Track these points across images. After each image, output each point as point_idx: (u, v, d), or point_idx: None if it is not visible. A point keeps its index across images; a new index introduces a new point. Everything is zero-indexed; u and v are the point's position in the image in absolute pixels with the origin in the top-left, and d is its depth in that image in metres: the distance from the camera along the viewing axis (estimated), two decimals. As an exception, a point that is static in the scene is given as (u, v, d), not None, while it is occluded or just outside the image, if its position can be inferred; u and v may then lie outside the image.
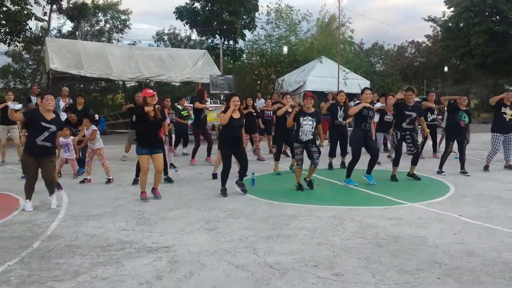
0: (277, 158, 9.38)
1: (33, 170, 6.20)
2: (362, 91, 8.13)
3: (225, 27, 24.45)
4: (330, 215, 5.86)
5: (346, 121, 9.80)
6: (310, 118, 7.36)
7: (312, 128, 7.37)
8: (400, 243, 4.74)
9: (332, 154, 9.95)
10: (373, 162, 7.95)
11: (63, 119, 8.61)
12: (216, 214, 5.96)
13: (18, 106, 6.30)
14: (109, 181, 8.17)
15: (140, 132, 6.85)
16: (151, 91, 6.85)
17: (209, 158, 10.59)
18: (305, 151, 7.46)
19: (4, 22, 18.28)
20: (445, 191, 7.45)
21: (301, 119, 7.33)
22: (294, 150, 7.61)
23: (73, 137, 8.42)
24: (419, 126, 9.01)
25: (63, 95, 11.27)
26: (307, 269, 4.02)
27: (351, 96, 16.82)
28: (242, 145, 7.39)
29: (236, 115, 7.17)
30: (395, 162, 8.43)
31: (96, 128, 8.30)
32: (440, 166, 9.04)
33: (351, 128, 8.54)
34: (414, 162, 8.42)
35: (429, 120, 11.25)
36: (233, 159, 7.30)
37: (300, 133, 7.35)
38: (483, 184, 8.00)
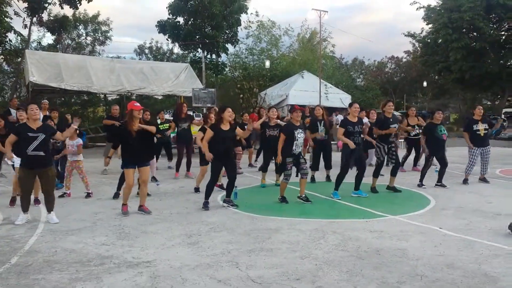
0: (264, 170, 9.39)
1: (29, 182, 6.16)
2: (350, 105, 8.21)
3: (207, 41, 24.54)
4: (312, 228, 5.86)
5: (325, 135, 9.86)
6: (301, 130, 7.46)
7: (302, 139, 7.50)
8: (382, 255, 4.76)
9: (314, 168, 9.98)
10: (360, 176, 8.03)
11: None
12: (198, 228, 5.91)
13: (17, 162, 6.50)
14: (88, 195, 8.04)
15: (125, 147, 6.76)
16: (138, 104, 6.78)
17: (189, 173, 10.57)
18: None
19: None
20: (426, 203, 7.54)
21: (295, 132, 7.36)
22: (284, 165, 7.42)
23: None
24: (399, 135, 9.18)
25: (43, 108, 11.09)
26: (290, 283, 4.00)
27: (332, 110, 17.01)
28: (232, 158, 7.40)
29: (226, 127, 7.18)
30: (376, 174, 8.53)
31: (81, 142, 8.17)
32: (421, 179, 9.15)
33: (334, 142, 8.61)
34: (393, 174, 8.56)
35: (412, 134, 11.40)
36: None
37: (294, 146, 7.35)
38: (463, 197, 8.12)
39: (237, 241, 5.32)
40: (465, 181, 9.50)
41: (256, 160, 12.83)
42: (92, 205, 7.43)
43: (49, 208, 6.29)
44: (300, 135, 7.41)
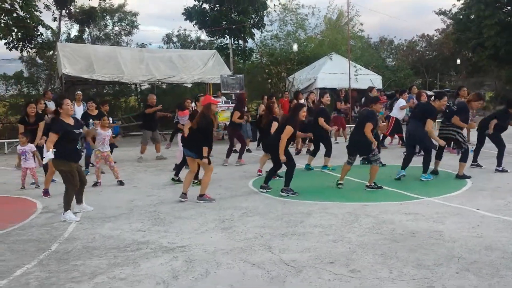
0: (313, 154, 9.39)
1: (77, 177, 6.04)
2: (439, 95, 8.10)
3: (234, 26, 24.44)
4: (345, 212, 5.83)
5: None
6: None
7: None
8: (417, 238, 4.70)
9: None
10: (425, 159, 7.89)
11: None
12: (230, 213, 5.97)
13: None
14: (121, 183, 8.21)
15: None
16: (214, 99, 7.00)
17: (241, 160, 10.42)
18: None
19: (15, 28, 18.48)
20: (462, 185, 7.36)
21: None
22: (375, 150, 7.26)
23: (31, 145, 8.19)
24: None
25: (77, 99, 11.40)
26: (323, 266, 4.00)
27: (363, 92, 16.70)
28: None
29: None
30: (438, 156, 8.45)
31: (111, 134, 8.34)
32: (474, 160, 8.93)
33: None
34: (439, 157, 8.38)
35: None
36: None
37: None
38: (500, 177, 7.89)
39: (270, 225, 5.35)
40: None
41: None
42: (127, 192, 7.60)
43: (82, 199, 6.35)
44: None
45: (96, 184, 8.16)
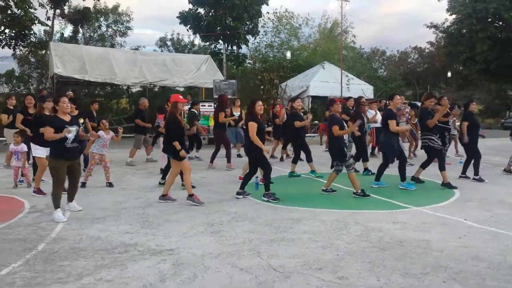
0: (294, 161, 9.38)
1: (63, 174, 6.04)
2: (392, 97, 8.30)
3: (228, 32, 24.51)
4: (334, 219, 5.85)
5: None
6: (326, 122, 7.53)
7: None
8: (405, 247, 4.72)
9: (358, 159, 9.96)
10: (401, 166, 7.98)
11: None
12: (220, 217, 5.96)
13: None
14: (110, 184, 8.17)
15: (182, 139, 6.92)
16: (182, 97, 6.98)
17: (230, 164, 10.45)
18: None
19: (8, 26, 18.37)
20: (450, 195, 7.43)
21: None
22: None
23: (24, 145, 8.12)
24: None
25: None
26: (311, 272, 4.01)
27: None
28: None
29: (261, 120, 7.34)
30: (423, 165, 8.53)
31: (113, 134, 8.34)
32: (463, 172, 9.03)
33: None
34: (423, 166, 8.45)
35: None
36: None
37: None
38: (488, 189, 7.97)
39: (259, 230, 5.35)
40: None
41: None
42: (116, 194, 7.55)
43: (72, 197, 6.36)
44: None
45: (83, 185, 8.09)
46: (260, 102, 7.29)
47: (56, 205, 5.92)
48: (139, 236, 5.15)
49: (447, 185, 8.01)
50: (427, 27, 36.28)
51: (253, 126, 6.98)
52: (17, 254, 4.50)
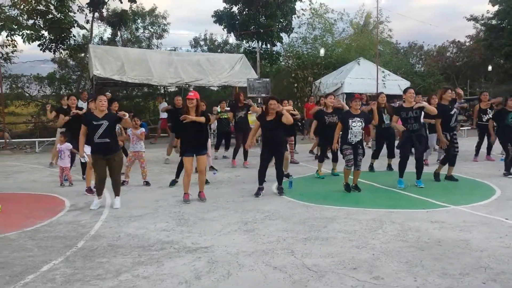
0: (321, 160, 9.25)
1: (101, 167, 6.55)
2: (405, 90, 7.94)
3: (262, 30, 24.51)
4: (370, 218, 5.76)
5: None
6: (358, 119, 7.39)
7: (361, 129, 7.41)
8: (443, 246, 4.60)
9: (375, 156, 9.77)
10: (418, 166, 7.78)
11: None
12: (253, 216, 5.98)
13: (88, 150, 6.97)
14: (147, 183, 8.36)
15: (184, 136, 7.00)
16: (192, 94, 6.97)
17: (246, 162, 10.63)
18: None
19: (49, 30, 19.00)
20: (491, 193, 7.18)
21: (350, 121, 7.36)
22: (343, 151, 7.53)
23: (68, 144, 8.45)
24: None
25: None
26: (346, 272, 3.97)
27: (390, 97, 16.49)
28: (280, 149, 7.43)
29: (269, 118, 7.27)
30: (444, 161, 8.33)
31: (144, 130, 8.54)
32: (506, 169, 8.75)
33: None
34: (452, 163, 8.26)
35: (484, 120, 10.88)
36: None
37: (349, 135, 7.37)
38: (532, 187, 7.66)
39: (292, 229, 5.34)
40: None
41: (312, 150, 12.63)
42: (153, 193, 7.71)
43: (116, 192, 6.71)
44: (355, 123, 7.32)
45: (123, 183, 8.31)
46: (272, 101, 7.28)
47: (97, 194, 6.67)
48: (175, 234, 5.24)
49: (449, 178, 8.31)
50: (467, 20, 35.11)
51: (256, 124, 7.50)
52: (58, 251, 4.67)
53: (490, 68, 34.29)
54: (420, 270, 3.98)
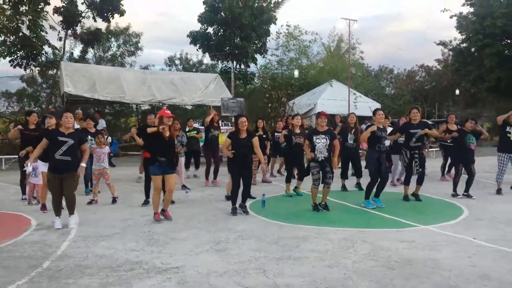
0: (288, 180, 9.32)
1: (55, 187, 6.32)
2: (374, 112, 8.12)
3: (236, 51, 24.76)
4: (341, 237, 5.79)
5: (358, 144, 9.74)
6: (323, 136, 7.44)
7: (326, 145, 7.42)
8: (413, 266, 4.65)
9: (344, 176, 9.88)
10: (382, 185, 7.89)
11: None
12: (226, 235, 5.92)
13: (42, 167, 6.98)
14: (114, 200, 8.23)
15: (153, 152, 6.90)
16: (169, 112, 6.96)
17: (215, 181, 10.63)
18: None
19: (20, 47, 18.71)
20: (459, 213, 7.33)
21: (314, 137, 7.41)
22: (310, 170, 7.56)
23: (39, 161, 8.09)
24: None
25: (77, 118, 11.41)
26: (318, 291, 3.95)
27: (361, 119, 16.81)
28: (250, 166, 7.47)
29: (243, 135, 7.30)
30: (406, 182, 8.42)
31: (109, 150, 8.44)
32: (454, 189, 8.91)
33: (361, 150, 8.49)
34: (419, 182, 8.43)
35: (449, 142, 11.16)
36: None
37: (315, 152, 7.39)
38: (497, 207, 7.86)
39: (265, 249, 5.30)
40: (499, 191, 9.15)
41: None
42: (122, 212, 7.55)
43: (70, 211, 6.45)
44: (319, 140, 7.39)
45: (91, 202, 8.13)
46: (242, 119, 7.40)
47: (55, 213, 6.41)
48: (145, 254, 5.12)
49: (405, 198, 8.45)
50: (436, 44, 36.40)
51: (226, 141, 7.46)
52: (22, 272, 4.49)
53: (457, 92, 35.46)
54: (390, 289, 4.00)
